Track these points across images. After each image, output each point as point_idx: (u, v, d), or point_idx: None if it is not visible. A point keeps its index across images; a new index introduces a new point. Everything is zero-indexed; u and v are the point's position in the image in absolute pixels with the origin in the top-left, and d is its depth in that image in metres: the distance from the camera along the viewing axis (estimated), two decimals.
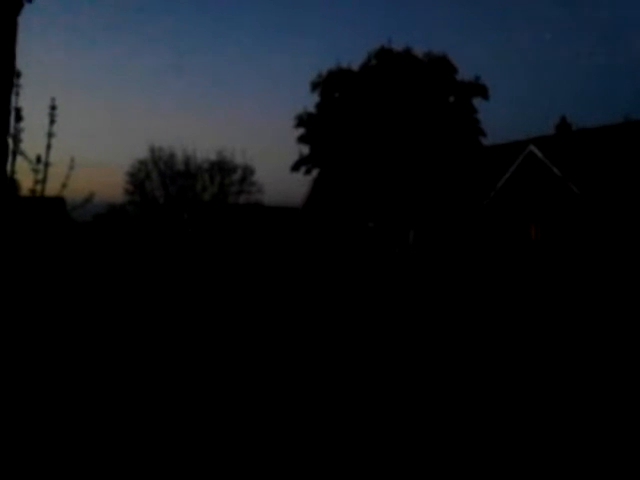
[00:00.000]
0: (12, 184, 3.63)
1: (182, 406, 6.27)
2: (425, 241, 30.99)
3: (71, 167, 3.92)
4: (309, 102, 42.62)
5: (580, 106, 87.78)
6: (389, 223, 32.12)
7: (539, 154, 25.79)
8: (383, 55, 31.71)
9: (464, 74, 31.76)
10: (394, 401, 6.70)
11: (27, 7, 3.09)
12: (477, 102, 31.59)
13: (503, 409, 6.47)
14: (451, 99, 31.46)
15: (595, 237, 22.74)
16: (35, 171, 3.69)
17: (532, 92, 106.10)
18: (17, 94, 3.20)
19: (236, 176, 38.54)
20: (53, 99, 3.83)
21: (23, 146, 3.47)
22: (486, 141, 32.22)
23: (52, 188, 3.91)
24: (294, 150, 34.31)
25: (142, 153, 46.78)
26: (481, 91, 31.43)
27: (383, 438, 5.53)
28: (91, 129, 74.89)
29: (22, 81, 3.32)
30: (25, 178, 3.76)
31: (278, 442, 5.36)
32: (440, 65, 31.26)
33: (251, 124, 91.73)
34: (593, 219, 23.06)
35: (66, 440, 5.16)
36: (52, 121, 3.80)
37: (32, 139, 3.81)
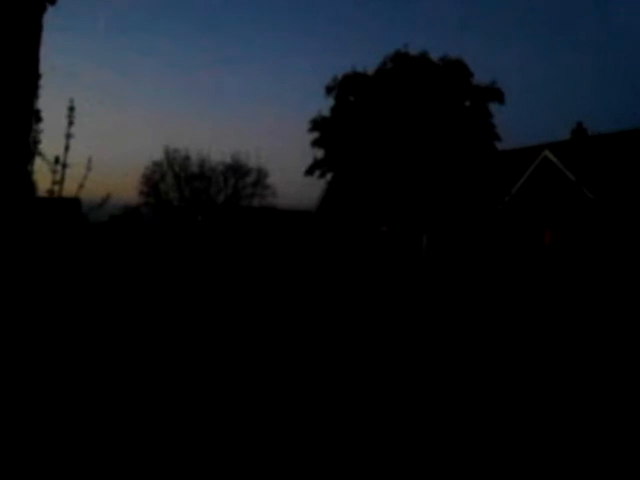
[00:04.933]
0: (30, 185, 3.65)
1: (183, 401, 6.30)
2: (438, 246, 30.87)
3: (88, 168, 3.85)
4: (324, 106, 42.63)
5: (598, 111, 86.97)
6: (402, 227, 32.03)
7: (554, 159, 25.60)
8: (399, 59, 31.65)
9: (480, 78, 31.71)
10: (396, 402, 6.69)
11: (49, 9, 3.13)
12: (493, 106, 31.52)
13: (513, 415, 6.44)
14: (467, 103, 31.33)
15: (609, 242, 22.53)
16: (53, 172, 3.67)
17: (549, 97, 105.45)
18: (37, 96, 3.20)
19: (250, 179, 38.69)
20: (72, 100, 3.71)
21: (41, 147, 3.48)
22: (501, 145, 32.16)
23: (69, 189, 3.89)
24: (308, 153, 34.32)
25: (157, 155, 47.15)
26: (497, 95, 31.27)
27: (383, 437, 5.52)
28: (107, 130, 75.28)
29: (41, 82, 3.33)
30: (42, 179, 3.76)
31: (278, 441, 5.34)
32: (456, 69, 31.15)
33: (265, 127, 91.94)
34: (607, 224, 22.85)
35: (66, 437, 5.13)
36: (70, 122, 3.71)
37: (49, 140, 3.80)
